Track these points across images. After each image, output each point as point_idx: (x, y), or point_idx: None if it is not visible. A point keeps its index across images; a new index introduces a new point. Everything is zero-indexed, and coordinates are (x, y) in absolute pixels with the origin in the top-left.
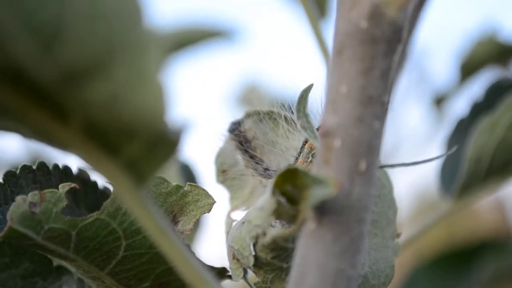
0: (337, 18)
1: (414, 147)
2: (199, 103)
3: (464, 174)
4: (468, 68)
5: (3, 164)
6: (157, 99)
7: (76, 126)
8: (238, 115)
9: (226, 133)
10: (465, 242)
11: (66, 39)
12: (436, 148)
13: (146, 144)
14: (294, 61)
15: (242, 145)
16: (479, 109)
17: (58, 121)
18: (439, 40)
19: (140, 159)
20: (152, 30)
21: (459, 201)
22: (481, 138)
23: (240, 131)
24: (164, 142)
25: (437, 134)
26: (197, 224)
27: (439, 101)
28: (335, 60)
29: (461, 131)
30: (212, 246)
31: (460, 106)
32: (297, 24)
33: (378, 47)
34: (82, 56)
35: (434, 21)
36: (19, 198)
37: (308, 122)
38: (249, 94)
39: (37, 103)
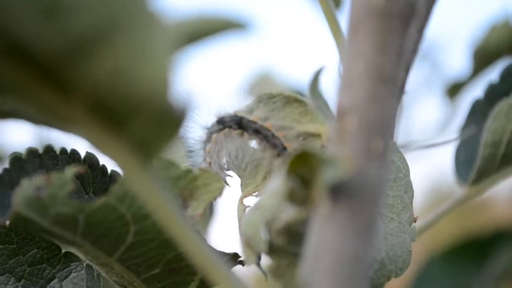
0: None
1: (427, 138)
2: (211, 94)
3: (480, 159)
4: (483, 55)
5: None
6: (162, 74)
7: (80, 101)
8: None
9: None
10: (480, 232)
11: (69, 8)
12: (449, 137)
13: (152, 120)
14: (307, 52)
15: (248, 128)
16: (495, 93)
17: (61, 96)
18: (453, 30)
19: (146, 136)
20: (160, 8)
21: (475, 186)
22: (497, 122)
23: (233, 117)
24: (169, 118)
25: (450, 124)
26: (209, 210)
27: (453, 90)
28: (350, 38)
29: (477, 115)
30: (223, 232)
31: (475, 95)
32: (309, 15)
33: (394, 23)
34: (85, 26)
35: (449, 11)
36: (24, 182)
37: (323, 102)
38: (261, 85)
39: (39, 77)
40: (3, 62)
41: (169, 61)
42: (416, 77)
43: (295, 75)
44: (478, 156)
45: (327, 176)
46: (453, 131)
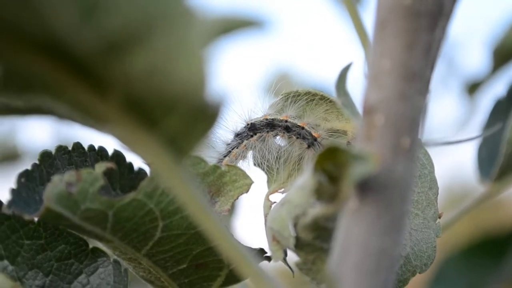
0: None
1: (446, 136)
2: (233, 94)
3: (503, 156)
4: (502, 53)
5: (34, 154)
6: (198, 70)
7: (115, 99)
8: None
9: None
10: (497, 231)
11: (105, 7)
12: (472, 135)
13: (186, 117)
14: (325, 51)
15: (273, 127)
16: None
17: (96, 94)
18: (469, 29)
19: (180, 133)
20: (193, 6)
21: (498, 183)
22: None
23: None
24: (204, 115)
25: (469, 122)
26: (232, 207)
27: (472, 88)
28: (378, 35)
29: (499, 113)
30: (246, 229)
31: (494, 93)
32: (329, 13)
33: (421, 21)
34: (121, 25)
35: (465, 9)
36: (55, 178)
37: (349, 100)
38: (280, 83)
39: (75, 75)
40: (40, 59)
41: (205, 57)
42: (433, 75)
43: (314, 74)
44: (500, 153)
45: (355, 171)
46: (472, 129)
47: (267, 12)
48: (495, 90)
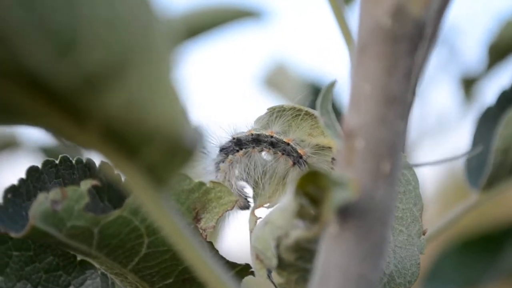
0: (360, 15)
1: (442, 131)
2: (225, 85)
3: (491, 165)
4: (498, 49)
5: (32, 143)
6: (173, 106)
7: (94, 129)
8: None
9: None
10: (493, 227)
11: (82, 44)
12: (464, 132)
13: (164, 150)
14: (322, 43)
15: (259, 142)
16: (507, 99)
17: (75, 124)
18: (471, 20)
19: (158, 163)
20: (167, 33)
21: (487, 192)
22: (508, 129)
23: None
24: (180, 148)
25: (466, 116)
26: (223, 220)
27: (468, 83)
28: (358, 58)
29: (488, 121)
30: (239, 242)
31: (489, 89)
32: (323, 6)
33: (401, 45)
34: (98, 62)
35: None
36: (41, 196)
37: (331, 120)
38: (276, 76)
39: (54, 106)
40: (18, 90)
41: (180, 95)
42: (433, 61)
43: (311, 65)
44: (489, 162)
45: (334, 197)
46: (468, 125)
47: (265, 2)
48: (490, 88)
